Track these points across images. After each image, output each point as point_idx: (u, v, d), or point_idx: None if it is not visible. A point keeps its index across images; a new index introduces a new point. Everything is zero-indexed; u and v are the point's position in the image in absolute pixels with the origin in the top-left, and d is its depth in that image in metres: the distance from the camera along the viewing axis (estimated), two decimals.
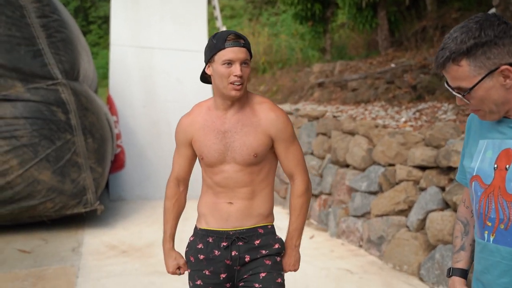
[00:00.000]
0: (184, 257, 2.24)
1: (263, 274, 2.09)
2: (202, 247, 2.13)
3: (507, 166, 1.43)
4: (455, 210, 4.06)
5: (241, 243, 2.10)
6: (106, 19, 18.72)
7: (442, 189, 4.32)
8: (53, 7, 5.55)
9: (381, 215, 4.75)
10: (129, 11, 9.11)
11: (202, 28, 9.52)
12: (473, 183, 1.53)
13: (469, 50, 1.40)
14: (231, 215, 2.10)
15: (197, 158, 2.21)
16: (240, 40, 1.99)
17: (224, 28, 10.16)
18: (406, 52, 9.34)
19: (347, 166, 5.62)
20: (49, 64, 5.33)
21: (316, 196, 6.08)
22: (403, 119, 6.08)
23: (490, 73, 1.40)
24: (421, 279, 4.14)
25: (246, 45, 2.01)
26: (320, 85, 9.33)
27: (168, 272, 2.28)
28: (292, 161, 2.14)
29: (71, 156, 5.31)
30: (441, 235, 4.06)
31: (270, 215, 2.19)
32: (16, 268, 4.45)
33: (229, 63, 1.97)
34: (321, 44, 12.09)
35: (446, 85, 1.51)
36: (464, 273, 1.68)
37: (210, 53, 2.01)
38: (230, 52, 1.96)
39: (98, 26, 19.81)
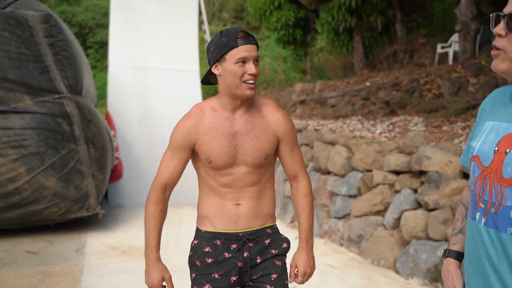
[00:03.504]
0: (188, 262, 2.00)
1: (274, 276, 1.94)
2: (210, 250, 1.92)
3: (507, 151, 1.31)
4: (426, 209, 4.19)
5: (251, 244, 1.93)
6: (102, 44, 18.79)
7: (415, 191, 4.45)
8: (59, 28, 5.62)
9: (360, 216, 4.85)
10: (126, 35, 9.21)
11: (194, 50, 9.66)
12: (472, 163, 1.43)
13: None
14: (240, 216, 1.92)
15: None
16: (250, 37, 1.79)
17: None
18: (379, 72, 9.58)
19: (329, 173, 5.73)
20: (55, 79, 5.38)
21: None
22: (378, 131, 6.24)
23: None
24: (397, 272, 4.23)
25: (256, 42, 1.81)
26: (302, 102, 9.49)
27: (152, 286, 1.92)
28: (296, 162, 1.99)
29: (74, 164, 5.34)
30: (414, 231, 4.17)
31: (274, 215, 2.05)
32: (25, 267, 4.44)
33: (243, 61, 1.76)
34: (302, 66, 12.32)
35: (497, 13, 1.33)
36: (459, 256, 1.58)
37: (220, 52, 1.77)
38: (244, 50, 1.75)
39: (95, 51, 19.87)
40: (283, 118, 1.92)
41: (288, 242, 2.03)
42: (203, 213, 1.97)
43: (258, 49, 1.82)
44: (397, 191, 4.62)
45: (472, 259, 1.41)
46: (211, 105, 1.90)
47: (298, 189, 2.02)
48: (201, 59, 11.17)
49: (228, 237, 1.92)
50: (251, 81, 1.78)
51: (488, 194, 1.34)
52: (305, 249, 2.01)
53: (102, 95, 15.03)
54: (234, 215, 1.92)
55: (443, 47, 9.20)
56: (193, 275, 1.97)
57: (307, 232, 2.00)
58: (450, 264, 1.57)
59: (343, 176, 5.40)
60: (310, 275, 2.01)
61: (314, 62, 13.01)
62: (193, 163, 1.97)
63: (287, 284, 2.00)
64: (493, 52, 1.33)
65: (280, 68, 13.87)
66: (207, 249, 1.92)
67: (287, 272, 2.01)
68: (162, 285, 1.94)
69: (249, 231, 1.93)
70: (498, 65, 1.32)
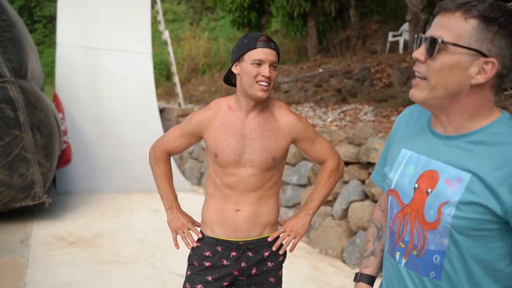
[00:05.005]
0: (187, 260, 2.07)
1: None
2: (210, 255, 1.99)
3: (429, 190, 1.19)
4: (373, 201, 4.30)
5: (250, 254, 1.98)
6: (51, 19, 17.96)
7: (363, 182, 4.56)
8: (1, 8, 5.32)
9: None
10: (75, 12, 8.85)
11: (146, 31, 9.41)
12: (390, 197, 1.31)
13: (490, 19, 1.09)
14: (239, 224, 1.96)
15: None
16: (271, 42, 1.86)
17: (166, 32, 10.07)
18: (332, 58, 9.66)
19: None
20: None
21: None
22: (330, 119, 6.32)
23: (477, 53, 1.10)
24: (343, 261, 4.35)
25: (276, 49, 1.88)
26: None
27: (181, 228, 2.05)
28: (320, 150, 2.04)
29: (19, 152, 5.14)
30: (361, 222, 4.29)
31: (276, 223, 2.05)
32: None
33: (259, 63, 1.84)
34: None
35: (420, 35, 1.19)
36: (371, 280, 1.51)
37: (240, 52, 1.87)
38: (261, 53, 1.84)
39: (43, 26, 18.99)
40: (295, 120, 1.97)
41: (285, 254, 2.08)
42: (206, 217, 2.04)
43: (279, 56, 1.90)
44: (345, 182, 4.71)
45: None
46: (229, 103, 1.98)
47: (322, 167, 2.09)
48: (153, 38, 10.90)
49: (228, 245, 1.98)
50: (263, 83, 1.85)
51: (409, 234, 1.24)
52: (300, 214, 2.06)
53: (50, 72, 14.46)
54: (233, 222, 1.96)
55: (394, 36, 9.36)
56: (189, 272, 2.05)
57: (311, 197, 2.07)
58: None
59: (294, 165, 5.46)
60: (294, 237, 2.02)
61: None
62: (207, 157, 2.04)
63: None
64: (414, 82, 1.19)
65: None
66: (207, 253, 2.00)
67: (280, 286, 2.08)
68: (188, 227, 2.06)
69: (249, 240, 1.98)
70: (415, 94, 1.19)
